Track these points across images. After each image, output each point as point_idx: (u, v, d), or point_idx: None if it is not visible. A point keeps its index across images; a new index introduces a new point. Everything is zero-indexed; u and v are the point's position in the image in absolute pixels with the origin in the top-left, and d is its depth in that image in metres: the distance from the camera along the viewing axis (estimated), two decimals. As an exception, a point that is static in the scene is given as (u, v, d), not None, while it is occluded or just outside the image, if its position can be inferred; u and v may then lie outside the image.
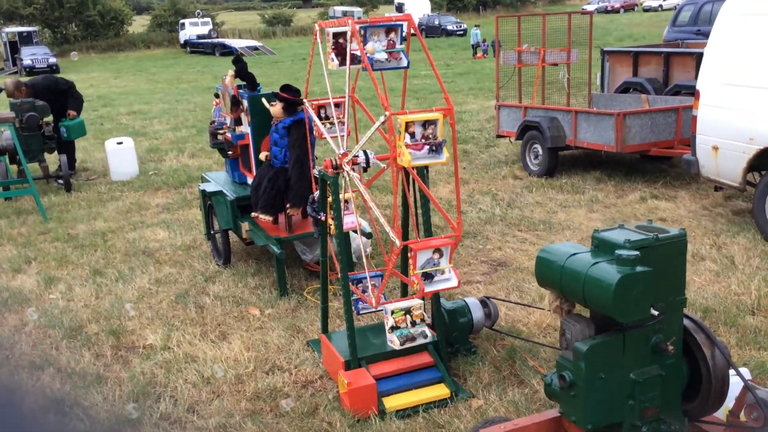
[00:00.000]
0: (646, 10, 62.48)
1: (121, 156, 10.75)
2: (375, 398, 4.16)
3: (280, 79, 26.66)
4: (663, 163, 9.63)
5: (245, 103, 6.36)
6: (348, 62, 4.22)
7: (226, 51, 44.89)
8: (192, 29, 50.89)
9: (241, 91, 6.47)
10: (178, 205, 9.08)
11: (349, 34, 4.10)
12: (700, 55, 10.56)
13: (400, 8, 57.87)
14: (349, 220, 4.64)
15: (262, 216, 6.04)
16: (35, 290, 6.42)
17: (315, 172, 5.54)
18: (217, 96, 7.06)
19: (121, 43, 51.22)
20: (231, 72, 6.35)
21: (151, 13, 62.31)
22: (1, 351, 5.27)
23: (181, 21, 52.53)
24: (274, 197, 5.99)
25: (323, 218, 4.60)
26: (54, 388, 4.65)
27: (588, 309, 3.08)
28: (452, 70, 25.47)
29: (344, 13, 54.13)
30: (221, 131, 6.84)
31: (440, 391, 4.31)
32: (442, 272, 3.99)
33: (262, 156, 6.15)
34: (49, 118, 9.98)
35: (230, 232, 6.72)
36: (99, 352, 5.18)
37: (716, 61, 6.76)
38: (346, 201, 4.60)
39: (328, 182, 4.34)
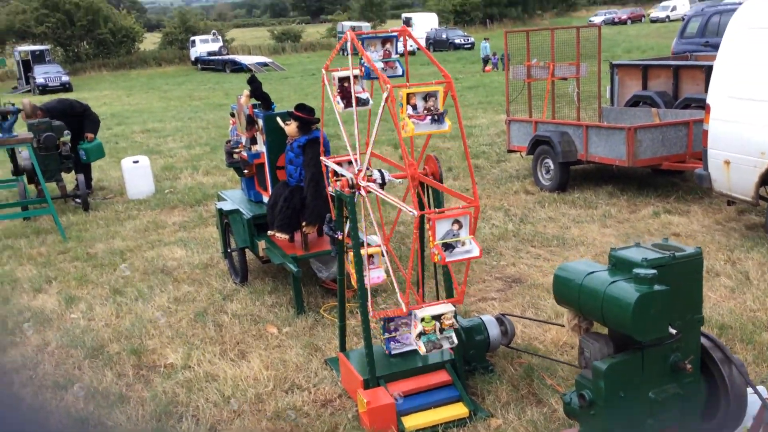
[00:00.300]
0: (654, 21, 62.52)
1: (137, 175, 10.88)
2: (394, 417, 4.21)
3: (290, 95, 26.88)
4: (675, 177, 9.66)
5: (260, 122, 6.47)
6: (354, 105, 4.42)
7: (237, 67, 45.26)
8: (203, 46, 51.35)
9: (256, 110, 6.57)
10: (195, 224, 9.18)
11: (349, 44, 4.26)
12: (709, 68, 10.59)
13: (407, 23, 58.18)
14: (375, 275, 4.67)
15: (278, 234, 6.11)
16: (56, 310, 6.51)
17: (330, 190, 5.63)
18: (232, 115, 7.16)
19: (133, 61, 51.70)
20: (246, 92, 6.45)
21: (161, 30, 62.87)
22: (25, 371, 5.35)
23: (192, 38, 53.01)
24: (290, 216, 6.07)
25: (340, 237, 4.67)
26: (78, 408, 4.72)
27: (606, 327, 3.13)
28: (461, 84, 25.57)
29: (353, 28, 54.34)
30: (237, 150, 6.93)
31: (459, 410, 4.35)
32: (463, 243, 3.93)
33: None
34: (66, 138, 10.12)
35: (247, 250, 6.80)
36: (121, 372, 5.26)
37: (726, 75, 6.81)
38: (370, 256, 4.63)
39: (345, 201, 4.41)
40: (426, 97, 3.89)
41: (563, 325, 5.23)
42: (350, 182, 4.44)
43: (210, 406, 4.65)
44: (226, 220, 6.92)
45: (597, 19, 60.19)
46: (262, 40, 63.44)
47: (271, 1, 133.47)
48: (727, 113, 6.73)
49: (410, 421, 4.25)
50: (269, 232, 6.26)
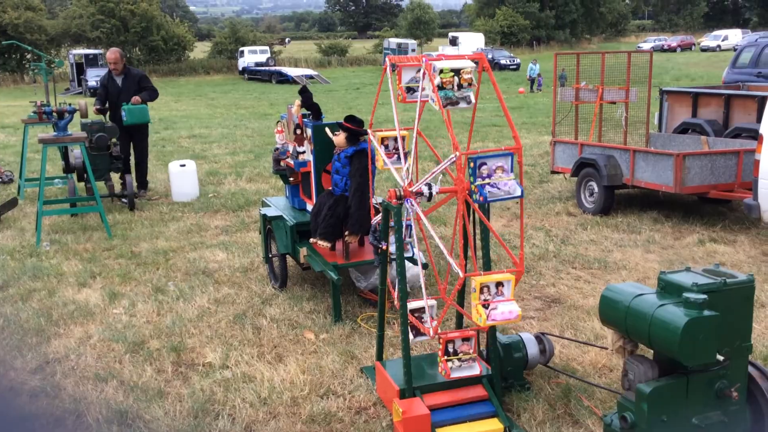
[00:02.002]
0: (704, 50, 61.80)
1: (183, 178, 11.07)
2: (428, 429, 4.20)
3: (333, 107, 27.12)
4: (722, 205, 9.50)
5: (309, 131, 6.55)
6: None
7: (283, 78, 45.95)
8: (251, 57, 52.25)
9: (305, 120, 6.66)
10: (236, 228, 9.30)
11: (422, 72, 4.20)
12: (762, 98, 10.48)
13: (454, 42, 58.38)
14: (506, 309, 4.61)
15: (320, 242, 6.17)
16: (100, 304, 6.65)
17: (374, 201, 5.66)
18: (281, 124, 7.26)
19: (182, 68, 52.81)
20: (297, 102, 6.55)
21: (212, 40, 64.07)
22: (67, 362, 5.47)
23: (241, 49, 53.96)
24: (333, 224, 6.12)
25: (384, 247, 4.69)
26: (117, 401, 4.81)
27: (652, 350, 3.09)
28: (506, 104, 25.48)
29: (399, 45, 54.80)
30: (284, 158, 7.02)
31: (493, 425, 4.32)
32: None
33: None
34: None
35: (288, 257, 6.87)
36: (160, 368, 5.34)
37: (782, 106, 6.70)
38: (499, 284, 4.60)
39: (392, 212, 4.44)
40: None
41: (604, 348, 5.18)
42: (398, 193, 4.47)
43: (246, 406, 4.69)
44: (269, 225, 7.00)
45: (646, 46, 59.69)
46: (309, 53, 64.27)
47: (320, 16, 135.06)
48: (780, 143, 6.62)
49: (444, 433, 4.24)
50: (311, 240, 6.32)
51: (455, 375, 4.01)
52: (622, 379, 3.11)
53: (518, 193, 3.95)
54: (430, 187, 4.49)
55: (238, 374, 5.16)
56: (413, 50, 53.62)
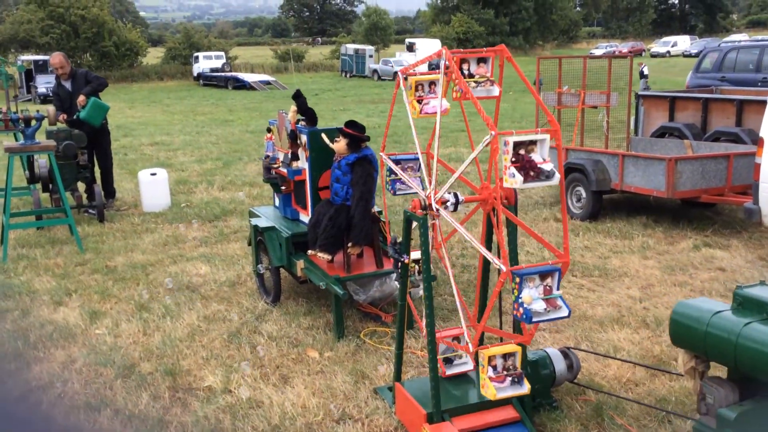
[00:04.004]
0: (654, 56, 63.04)
1: (154, 187, 10.59)
2: (463, 454, 3.93)
3: (297, 113, 26.67)
4: (708, 210, 9.47)
5: (303, 138, 6.22)
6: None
7: (239, 84, 45.20)
8: (205, 62, 51.28)
9: (299, 125, 6.34)
10: (216, 239, 8.89)
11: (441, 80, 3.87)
12: (741, 102, 10.54)
13: (411, 48, 58.36)
14: None
15: (320, 254, 5.84)
16: (80, 324, 6.20)
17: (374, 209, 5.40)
18: (269, 130, 6.92)
19: (135, 74, 51.56)
20: (293, 108, 6.22)
21: (164, 45, 62.83)
22: (53, 389, 5.03)
23: (195, 54, 52.96)
24: (334, 235, 5.81)
25: (406, 261, 4.41)
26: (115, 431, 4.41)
27: (735, 371, 2.87)
28: (472, 109, 25.45)
29: (356, 51, 54.49)
30: (275, 166, 6.68)
31: (529, 448, 4.07)
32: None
33: None
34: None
35: (281, 270, 6.52)
36: (156, 393, 4.95)
37: (783, 109, 6.63)
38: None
39: (418, 223, 4.15)
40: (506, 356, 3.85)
41: (631, 362, 4.98)
42: (422, 203, 4.19)
43: (258, 436, 4.35)
44: (260, 237, 6.64)
45: (598, 52, 60.48)
46: (264, 59, 63.48)
47: (274, 21, 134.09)
48: (783, 146, 6.55)
49: (479, 459, 3.97)
50: (310, 252, 6.00)
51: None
52: (698, 404, 2.89)
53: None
54: (456, 196, 4.22)
55: (242, 399, 4.80)
56: (371, 56, 53.33)
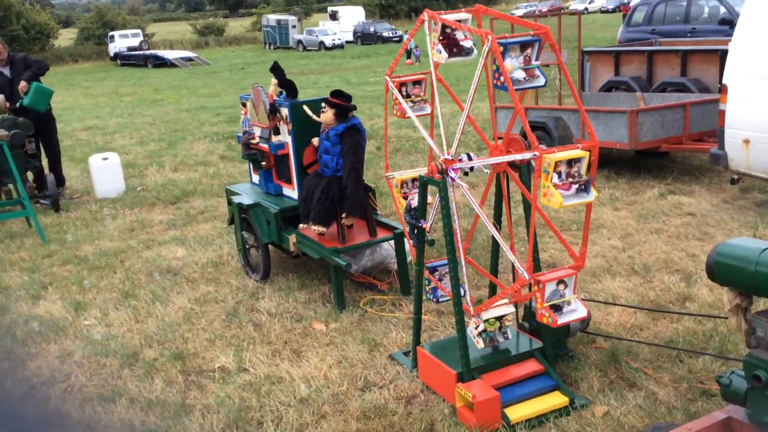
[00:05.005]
0: (573, 13, 64.19)
1: (107, 172, 10.24)
2: (499, 410, 4.01)
3: (225, 89, 26.08)
4: (662, 159, 9.81)
5: (284, 111, 6.11)
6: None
7: (159, 62, 43.87)
8: (122, 41, 49.51)
9: (277, 98, 6.21)
10: (183, 221, 8.68)
11: (486, 49, 3.83)
12: (685, 53, 10.89)
13: (333, 16, 57.75)
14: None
15: (314, 227, 5.78)
16: (67, 317, 5.98)
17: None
18: (244, 105, 6.76)
19: (48, 57, 49.04)
20: (274, 81, 6.08)
21: (77, 26, 60.16)
22: (57, 384, 4.86)
23: (110, 33, 51.02)
24: (327, 207, 5.75)
25: (424, 226, 4.42)
26: (138, 420, 4.31)
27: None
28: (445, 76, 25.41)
29: (278, 22, 53.49)
30: (253, 141, 6.54)
31: (559, 399, 4.19)
32: (569, 303, 3.87)
33: None
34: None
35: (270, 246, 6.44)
36: (168, 379, 4.84)
37: (744, 55, 6.88)
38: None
39: (438, 187, 4.17)
40: (571, 162, 3.60)
41: (629, 306, 5.17)
42: (439, 167, 4.20)
43: (288, 410, 4.32)
44: (244, 215, 6.52)
45: (518, 12, 61.15)
46: (183, 35, 61.67)
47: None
48: (746, 93, 6.81)
49: (514, 413, 4.06)
50: (302, 226, 5.93)
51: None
52: (747, 338, 3.03)
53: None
54: (469, 156, 4.26)
55: (260, 376, 4.76)
56: (294, 26, 52.44)
